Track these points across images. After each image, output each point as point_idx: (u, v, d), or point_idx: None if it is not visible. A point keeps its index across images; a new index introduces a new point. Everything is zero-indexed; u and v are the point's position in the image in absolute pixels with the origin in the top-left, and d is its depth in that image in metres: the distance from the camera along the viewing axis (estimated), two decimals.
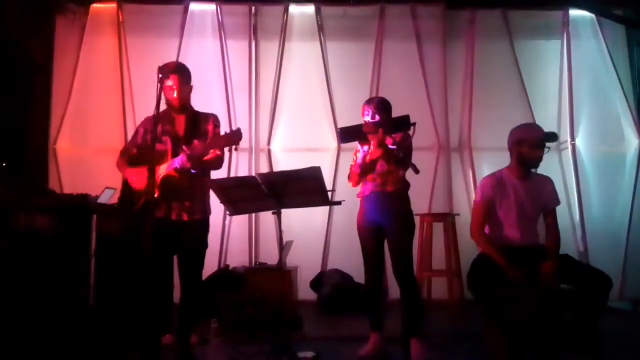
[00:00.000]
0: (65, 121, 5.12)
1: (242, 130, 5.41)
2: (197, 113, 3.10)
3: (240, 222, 5.13)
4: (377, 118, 3.13)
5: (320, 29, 5.38)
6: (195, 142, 2.87)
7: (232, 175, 4.85)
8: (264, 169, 5.17)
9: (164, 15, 5.30)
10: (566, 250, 2.91)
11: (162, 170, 2.88)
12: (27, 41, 5.08)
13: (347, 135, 3.20)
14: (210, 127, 3.04)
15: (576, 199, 5.25)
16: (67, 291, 3.48)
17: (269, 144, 5.25)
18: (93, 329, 3.34)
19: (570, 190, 5.27)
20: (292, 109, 5.32)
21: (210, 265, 4.62)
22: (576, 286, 2.69)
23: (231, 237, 5.13)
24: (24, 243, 3.48)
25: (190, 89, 3.07)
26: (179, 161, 2.81)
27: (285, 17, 5.36)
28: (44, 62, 5.19)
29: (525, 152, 2.88)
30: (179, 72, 2.98)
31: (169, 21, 5.28)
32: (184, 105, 3.02)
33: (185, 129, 3.00)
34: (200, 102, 4.88)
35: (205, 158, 2.88)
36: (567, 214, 5.17)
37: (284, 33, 5.34)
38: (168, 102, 3.01)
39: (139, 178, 2.93)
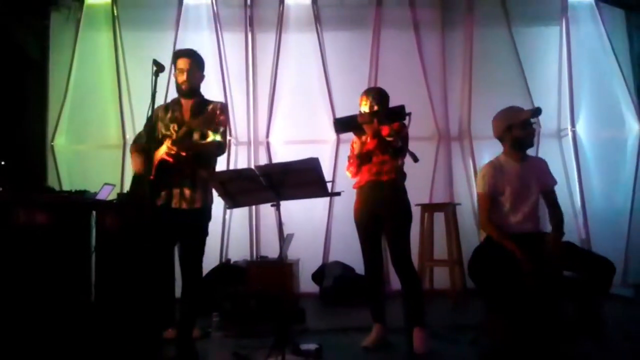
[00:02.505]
0: (62, 117, 5.09)
1: (241, 123, 5.43)
2: (205, 100, 3.06)
3: (240, 216, 5.13)
4: (375, 108, 3.11)
5: (317, 18, 5.34)
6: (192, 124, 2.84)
7: (231, 168, 4.84)
8: (263, 162, 5.15)
9: (159, 8, 5.26)
10: (568, 237, 2.90)
11: (158, 152, 2.86)
12: (22, 37, 5.05)
13: (342, 125, 3.17)
14: (214, 114, 2.96)
15: (577, 185, 5.23)
16: (67, 287, 3.47)
17: (267, 136, 5.23)
18: (94, 325, 3.34)
19: (571, 176, 5.26)
20: (290, 101, 5.29)
21: (211, 259, 4.64)
22: (579, 272, 2.67)
23: (232, 230, 5.12)
24: (23, 240, 3.47)
25: (201, 76, 3.05)
26: (166, 146, 2.78)
27: (281, 8, 5.32)
28: (40, 58, 5.17)
29: (518, 134, 2.90)
30: (190, 56, 2.98)
31: (164, 14, 5.25)
32: (192, 90, 2.99)
33: (192, 114, 2.96)
34: None
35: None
36: (568, 201, 5.15)
37: (280, 24, 5.31)
38: (177, 87, 2.99)
39: (138, 162, 2.92)
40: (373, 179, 3.11)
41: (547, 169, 2.98)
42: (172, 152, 2.77)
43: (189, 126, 2.85)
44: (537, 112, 2.96)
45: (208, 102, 3.05)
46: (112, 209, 3.73)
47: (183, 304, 2.93)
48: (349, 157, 3.23)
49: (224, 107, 3.06)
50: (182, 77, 2.94)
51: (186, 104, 3.00)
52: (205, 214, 2.98)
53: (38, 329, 3.21)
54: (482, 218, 2.93)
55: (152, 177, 2.78)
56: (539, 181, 2.92)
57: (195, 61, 2.98)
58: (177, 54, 3.01)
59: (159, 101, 3.01)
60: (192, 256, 2.94)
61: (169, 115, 2.97)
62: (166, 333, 3.26)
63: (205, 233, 2.99)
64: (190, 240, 2.94)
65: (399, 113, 2.97)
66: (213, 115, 2.93)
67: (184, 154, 2.79)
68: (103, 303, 3.56)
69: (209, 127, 2.86)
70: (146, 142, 2.88)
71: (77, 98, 5.15)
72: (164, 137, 2.90)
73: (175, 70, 3.00)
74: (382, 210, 3.08)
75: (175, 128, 2.93)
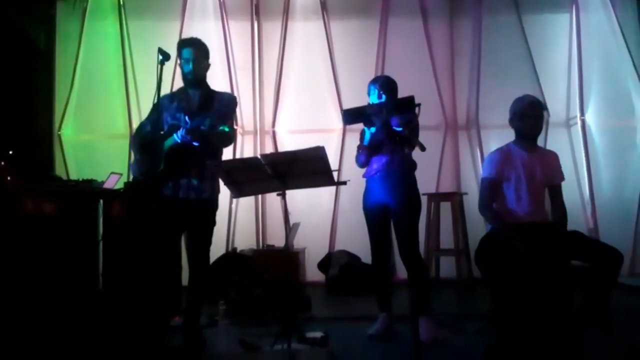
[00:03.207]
0: (69, 107, 5.10)
1: (247, 113, 5.41)
2: (213, 91, 3.04)
3: (247, 205, 5.13)
4: (383, 97, 3.08)
5: (323, 7, 5.30)
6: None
7: (237, 157, 4.84)
8: (269, 151, 5.14)
9: None
10: (576, 226, 2.88)
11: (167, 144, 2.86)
12: (29, 27, 5.05)
13: (350, 116, 3.14)
14: (224, 105, 2.97)
15: (585, 174, 5.17)
16: (75, 276, 3.51)
17: (273, 125, 5.22)
18: (101, 314, 3.37)
19: (580, 166, 5.20)
20: (296, 90, 5.27)
21: (217, 248, 4.65)
22: (587, 262, 2.65)
23: (238, 219, 5.14)
24: (31, 229, 3.50)
25: (207, 65, 3.03)
26: (180, 134, 2.77)
27: None
28: (46, 47, 5.17)
29: (519, 125, 2.89)
30: (196, 45, 2.96)
31: (170, 3, 5.23)
32: (199, 80, 2.97)
33: (199, 104, 2.94)
34: None
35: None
36: (576, 190, 5.11)
37: (286, 12, 5.27)
38: (183, 76, 2.98)
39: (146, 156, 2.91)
40: (383, 169, 3.09)
41: (556, 164, 2.94)
42: (186, 140, 2.77)
43: (204, 117, 2.79)
44: (538, 104, 2.91)
45: (215, 92, 3.04)
46: (119, 197, 3.75)
47: (190, 292, 2.95)
48: (359, 147, 3.21)
49: (235, 100, 3.09)
50: (189, 67, 2.92)
51: (193, 93, 2.98)
52: (213, 204, 3.00)
53: (46, 317, 3.24)
54: (480, 200, 2.92)
55: (159, 168, 2.80)
56: (546, 174, 2.89)
57: (200, 50, 2.96)
58: (182, 43, 2.98)
59: (165, 90, 3.02)
60: (200, 245, 2.95)
61: (174, 104, 2.96)
62: (173, 320, 3.29)
63: (213, 222, 3.00)
64: (199, 230, 2.94)
65: (409, 103, 2.94)
66: (228, 108, 2.96)
67: (196, 143, 2.79)
68: (110, 291, 3.59)
69: (221, 119, 2.83)
70: (151, 132, 2.88)
71: (83, 87, 5.15)
72: (172, 126, 2.90)
73: (180, 60, 2.98)
74: (392, 200, 3.07)
75: (182, 118, 2.90)
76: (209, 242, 2.98)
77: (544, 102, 2.98)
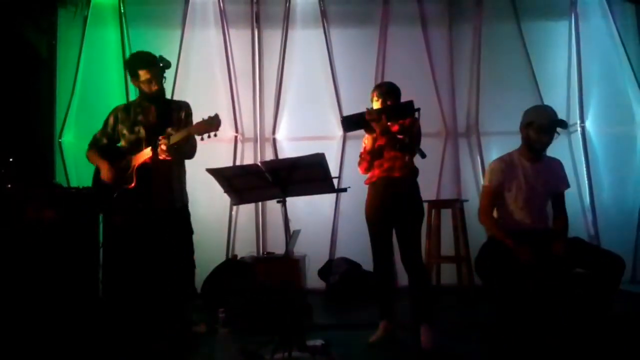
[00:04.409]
0: (69, 114, 5.11)
1: (247, 120, 5.43)
2: (169, 101, 3.13)
3: (247, 212, 5.13)
4: (387, 103, 3.08)
5: (323, 14, 5.32)
6: (168, 130, 2.89)
7: (238, 164, 4.84)
8: (270, 158, 5.14)
9: (165, 5, 5.26)
10: (576, 234, 2.87)
11: (137, 159, 2.91)
12: (30, 35, 5.06)
13: (350, 123, 3.13)
14: (182, 115, 3.06)
15: (586, 181, 5.17)
16: (76, 283, 3.49)
17: (274, 133, 5.22)
18: (102, 321, 3.35)
19: (580, 173, 5.20)
20: (297, 97, 5.28)
21: (218, 256, 4.66)
22: (588, 268, 2.65)
23: (238, 227, 5.13)
24: (31, 236, 3.49)
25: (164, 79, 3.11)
26: (158, 151, 2.84)
27: (288, 4, 5.29)
28: (47, 55, 5.18)
29: (532, 135, 2.84)
30: (156, 65, 3.02)
31: (171, 11, 5.24)
32: (158, 96, 3.06)
33: (158, 117, 3.02)
34: (204, 92, 4.87)
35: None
36: (577, 197, 5.11)
37: (286, 20, 5.29)
38: (143, 92, 3.04)
39: (109, 170, 3.03)
40: (385, 175, 3.09)
41: (560, 172, 2.93)
42: (167, 158, 2.85)
43: (169, 132, 2.88)
44: (561, 124, 2.85)
45: (172, 103, 3.13)
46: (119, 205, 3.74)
47: (174, 300, 3.02)
48: (361, 154, 3.21)
49: (189, 108, 3.13)
50: (152, 87, 3.01)
51: (151, 107, 3.06)
52: (186, 213, 3.11)
53: (45, 323, 3.23)
54: (480, 208, 2.92)
55: (133, 185, 2.90)
56: (550, 183, 2.88)
57: (159, 69, 3.04)
58: (138, 65, 3.01)
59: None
60: (181, 256, 3.05)
61: (131, 117, 3.01)
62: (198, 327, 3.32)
63: (191, 231, 3.12)
64: (177, 241, 3.04)
65: (407, 108, 2.94)
66: (187, 119, 3.04)
67: (169, 158, 2.86)
68: (110, 298, 3.58)
69: (192, 134, 2.90)
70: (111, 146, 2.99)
71: (84, 95, 5.15)
72: (136, 140, 2.99)
73: (136, 78, 3.03)
74: (394, 206, 3.06)
75: (143, 131, 3.02)
76: (192, 251, 3.12)
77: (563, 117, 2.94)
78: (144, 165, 2.92)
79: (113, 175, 3.00)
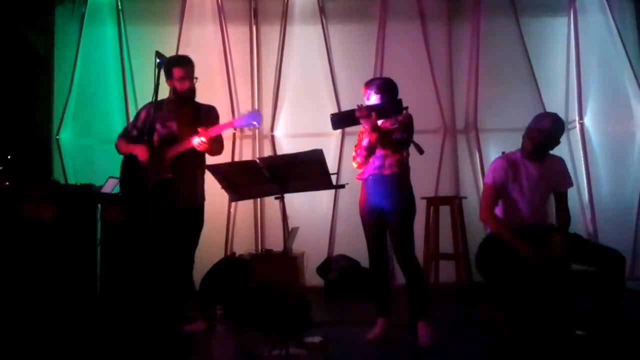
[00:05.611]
0: (67, 111, 5.09)
1: None
2: (200, 104, 3.29)
3: (245, 209, 5.12)
4: (379, 100, 3.07)
5: (322, 11, 5.30)
6: (201, 129, 3.04)
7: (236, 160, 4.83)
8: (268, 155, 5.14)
9: (163, 2, 5.24)
10: (575, 231, 2.87)
11: (173, 150, 3.09)
12: (27, 32, 5.06)
13: (338, 121, 3.12)
14: (212, 116, 3.26)
15: (585, 178, 5.17)
16: (74, 280, 3.50)
17: (272, 129, 5.21)
18: (99, 318, 3.35)
19: (579, 170, 5.19)
20: (295, 94, 5.26)
21: (216, 253, 4.65)
22: (589, 265, 2.64)
23: (237, 224, 5.12)
24: (29, 234, 3.50)
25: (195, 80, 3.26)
26: (198, 141, 3.01)
27: (286, 0, 5.28)
28: (45, 53, 5.17)
29: (540, 142, 2.84)
30: (190, 65, 3.20)
31: (168, 7, 5.22)
32: (190, 96, 3.22)
33: (191, 114, 3.17)
34: (202, 88, 4.83)
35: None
36: (575, 195, 5.09)
37: (285, 17, 5.27)
38: (175, 91, 3.17)
39: (144, 153, 3.09)
40: (375, 173, 3.07)
41: (563, 171, 2.93)
42: (206, 147, 3.05)
43: (199, 130, 3.06)
44: (554, 142, 2.88)
45: (203, 106, 3.31)
46: (117, 202, 3.74)
47: (170, 293, 3.08)
48: (356, 147, 3.19)
49: (217, 113, 3.35)
50: (185, 85, 3.16)
51: (184, 106, 3.21)
52: (202, 210, 3.26)
53: (44, 321, 3.23)
54: (482, 206, 2.92)
55: (170, 175, 3.04)
56: (552, 182, 2.88)
57: (192, 67, 3.22)
58: (174, 63, 3.18)
59: (163, 94, 3.06)
60: (190, 249, 3.18)
61: (164, 113, 3.12)
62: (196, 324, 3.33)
63: (202, 226, 3.27)
64: (191, 236, 3.18)
65: (396, 107, 2.94)
66: (216, 120, 3.23)
67: (208, 148, 3.08)
68: (108, 296, 3.58)
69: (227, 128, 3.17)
70: (142, 138, 3.06)
71: (82, 92, 5.14)
72: (169, 135, 3.11)
73: (170, 77, 3.17)
74: (385, 204, 3.05)
75: (176, 126, 3.15)
76: (197, 244, 3.27)
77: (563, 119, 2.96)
78: (179, 157, 3.06)
79: (150, 157, 3.02)
